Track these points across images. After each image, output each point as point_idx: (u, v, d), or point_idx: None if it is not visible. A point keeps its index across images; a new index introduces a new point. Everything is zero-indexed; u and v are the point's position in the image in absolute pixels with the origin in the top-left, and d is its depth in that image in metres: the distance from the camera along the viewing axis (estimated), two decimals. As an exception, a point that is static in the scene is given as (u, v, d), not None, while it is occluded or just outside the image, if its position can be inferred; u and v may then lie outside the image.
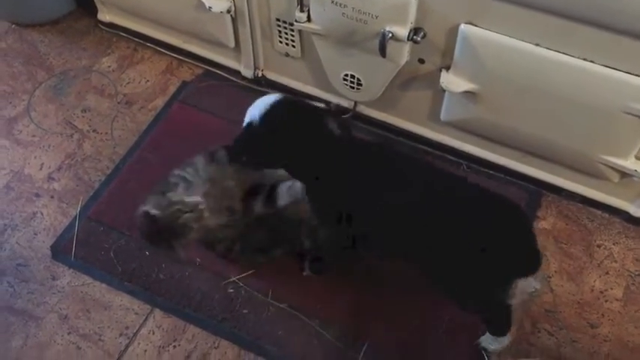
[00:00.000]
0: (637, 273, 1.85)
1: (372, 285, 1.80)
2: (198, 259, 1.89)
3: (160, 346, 1.75)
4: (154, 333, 1.77)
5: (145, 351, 1.74)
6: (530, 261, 1.39)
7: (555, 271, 1.85)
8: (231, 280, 1.83)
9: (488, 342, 1.66)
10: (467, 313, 1.61)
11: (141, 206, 1.60)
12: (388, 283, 1.79)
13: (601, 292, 1.82)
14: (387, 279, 1.80)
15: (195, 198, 1.59)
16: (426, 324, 1.76)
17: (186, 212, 1.57)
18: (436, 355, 1.71)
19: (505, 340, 1.63)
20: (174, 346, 1.75)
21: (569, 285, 1.83)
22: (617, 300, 1.81)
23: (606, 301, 1.81)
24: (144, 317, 1.80)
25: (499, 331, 1.62)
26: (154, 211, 1.57)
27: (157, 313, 1.81)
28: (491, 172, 2.05)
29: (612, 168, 1.75)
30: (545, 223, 1.94)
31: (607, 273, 1.85)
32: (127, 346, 1.75)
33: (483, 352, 1.68)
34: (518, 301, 1.51)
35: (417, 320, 1.76)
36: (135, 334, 1.77)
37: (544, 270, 1.83)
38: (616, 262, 1.87)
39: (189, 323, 1.79)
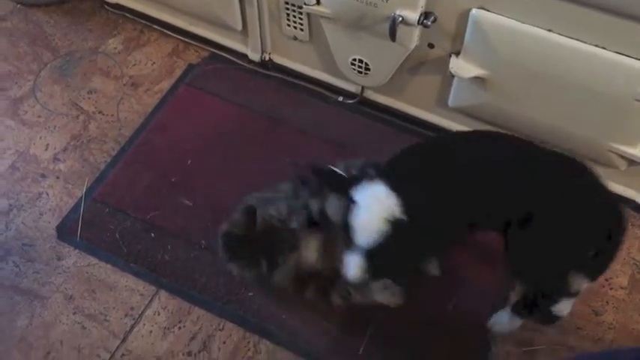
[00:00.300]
0: (642, 262, 1.86)
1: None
2: (203, 241, 1.89)
3: (165, 327, 1.75)
4: (159, 314, 1.78)
5: (151, 332, 1.75)
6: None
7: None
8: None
9: (501, 320, 1.65)
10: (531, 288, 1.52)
11: (238, 204, 1.44)
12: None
13: (606, 280, 1.82)
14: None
15: (299, 227, 1.43)
16: (431, 312, 1.76)
17: (287, 233, 1.41)
18: (442, 344, 1.71)
19: (518, 322, 1.63)
20: (180, 328, 1.75)
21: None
22: (622, 288, 1.81)
23: (611, 288, 1.81)
24: (149, 298, 1.80)
25: (546, 318, 1.55)
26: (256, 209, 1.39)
27: (163, 294, 1.81)
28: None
29: (620, 156, 1.75)
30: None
31: (612, 261, 1.85)
32: (132, 327, 1.75)
33: (491, 340, 1.68)
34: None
35: (422, 308, 1.76)
36: (140, 315, 1.77)
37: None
38: (621, 250, 1.87)
39: (194, 305, 1.79)
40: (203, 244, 1.89)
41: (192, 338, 1.74)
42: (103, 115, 2.19)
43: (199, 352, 1.72)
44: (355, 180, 1.34)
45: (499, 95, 1.78)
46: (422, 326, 1.74)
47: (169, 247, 1.88)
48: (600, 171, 1.85)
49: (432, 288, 1.77)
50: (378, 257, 1.31)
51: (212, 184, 2.01)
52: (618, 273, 1.83)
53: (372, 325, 1.73)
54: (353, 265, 1.32)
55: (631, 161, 1.77)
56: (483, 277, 1.80)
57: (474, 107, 1.90)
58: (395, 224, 1.27)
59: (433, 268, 1.75)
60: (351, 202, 1.31)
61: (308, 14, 1.97)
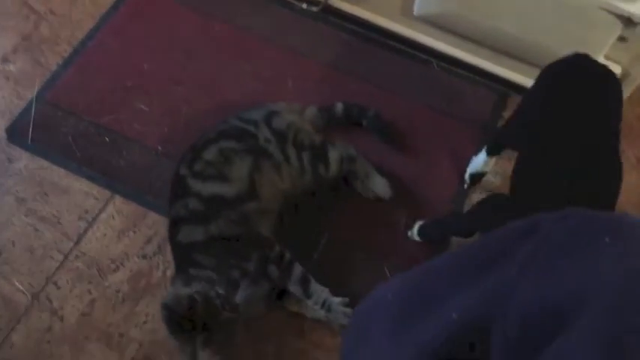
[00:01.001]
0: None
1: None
2: (159, 147, 1.85)
3: (119, 231, 1.74)
4: (113, 218, 1.76)
5: (105, 235, 1.74)
6: None
7: (517, 171, 1.87)
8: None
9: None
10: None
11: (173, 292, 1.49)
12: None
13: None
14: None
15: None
16: (384, 221, 1.78)
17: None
18: (396, 247, 1.74)
19: None
20: (134, 232, 1.75)
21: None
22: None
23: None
24: (104, 202, 1.78)
25: None
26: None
27: (117, 199, 1.79)
28: (461, 71, 2.03)
29: (581, 67, 1.73)
30: (511, 124, 1.94)
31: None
32: (86, 230, 1.74)
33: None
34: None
35: (377, 218, 1.78)
36: (94, 219, 1.75)
37: (504, 167, 1.85)
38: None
39: (149, 210, 1.78)
40: (159, 149, 1.85)
41: (148, 242, 1.73)
42: (55, 15, 2.09)
43: (154, 255, 1.72)
44: None
45: (464, 3, 1.74)
46: (376, 233, 1.76)
47: (124, 152, 1.85)
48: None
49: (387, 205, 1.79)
50: None
51: (169, 89, 1.96)
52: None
53: (326, 233, 1.75)
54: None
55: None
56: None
57: (439, 16, 1.86)
58: None
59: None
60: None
61: None
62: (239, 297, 1.48)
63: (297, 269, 1.58)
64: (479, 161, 1.75)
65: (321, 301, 1.58)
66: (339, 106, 1.86)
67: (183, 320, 1.44)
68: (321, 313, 1.60)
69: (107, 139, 1.86)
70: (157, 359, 1.60)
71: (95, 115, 1.90)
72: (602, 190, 1.26)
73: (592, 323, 0.49)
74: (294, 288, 1.59)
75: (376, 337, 0.87)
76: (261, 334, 1.63)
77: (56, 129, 1.87)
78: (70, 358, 1.58)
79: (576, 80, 1.36)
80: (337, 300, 1.59)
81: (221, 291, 1.47)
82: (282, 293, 1.63)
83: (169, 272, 1.68)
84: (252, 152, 1.64)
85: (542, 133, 1.34)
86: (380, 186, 1.79)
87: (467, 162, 1.83)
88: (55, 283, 1.67)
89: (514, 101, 1.97)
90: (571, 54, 1.40)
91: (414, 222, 1.74)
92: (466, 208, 1.80)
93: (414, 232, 1.71)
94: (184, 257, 1.56)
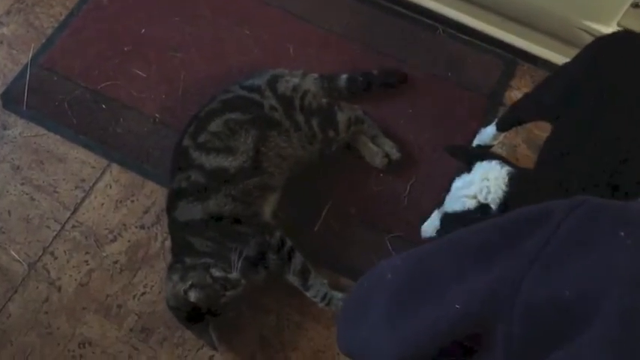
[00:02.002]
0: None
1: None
2: (157, 115, 1.81)
3: (117, 200, 1.72)
4: (111, 187, 1.73)
5: (102, 204, 1.71)
6: None
7: (522, 141, 1.82)
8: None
9: None
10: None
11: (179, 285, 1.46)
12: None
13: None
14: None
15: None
16: (386, 193, 1.75)
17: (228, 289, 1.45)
18: (399, 219, 1.71)
19: None
20: (132, 201, 1.72)
21: (534, 155, 1.80)
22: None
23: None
24: (100, 171, 1.75)
25: None
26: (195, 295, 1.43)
27: (114, 167, 1.75)
28: (467, 37, 1.96)
29: (593, 35, 1.67)
30: (518, 92, 1.89)
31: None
32: (83, 199, 1.71)
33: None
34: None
35: (379, 190, 1.75)
36: (91, 188, 1.72)
37: (510, 139, 1.81)
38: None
39: (147, 179, 1.74)
40: (157, 117, 1.81)
41: (146, 212, 1.71)
42: (49, -24, 2.03)
43: (152, 225, 1.69)
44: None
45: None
46: (376, 201, 1.73)
47: (122, 119, 1.80)
48: (572, 53, 1.81)
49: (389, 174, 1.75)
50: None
51: (167, 55, 1.90)
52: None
53: (327, 205, 1.72)
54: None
55: (603, 42, 1.70)
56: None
57: (446, -20, 1.79)
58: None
59: None
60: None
61: None
62: (235, 274, 1.46)
63: (298, 259, 1.55)
64: (487, 134, 1.70)
65: (322, 294, 1.56)
66: (343, 78, 1.80)
67: (190, 313, 1.43)
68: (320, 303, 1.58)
69: (104, 105, 1.82)
70: (156, 331, 1.58)
71: (91, 80, 1.85)
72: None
73: (605, 328, 0.46)
74: (292, 279, 1.56)
75: (374, 317, 0.83)
76: (262, 306, 1.61)
77: (52, 95, 1.82)
78: (68, 328, 1.57)
79: (623, 57, 1.30)
80: (339, 295, 1.57)
81: (217, 273, 1.44)
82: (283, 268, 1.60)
83: (167, 243, 1.66)
84: (258, 122, 1.60)
85: (584, 110, 1.28)
86: (388, 146, 1.75)
87: (472, 132, 1.79)
88: (52, 253, 1.65)
89: (522, 70, 1.92)
90: (616, 31, 1.34)
91: (417, 194, 1.70)
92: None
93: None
94: (180, 240, 1.53)
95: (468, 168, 1.18)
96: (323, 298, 1.56)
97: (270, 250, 1.53)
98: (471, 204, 1.12)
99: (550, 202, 0.59)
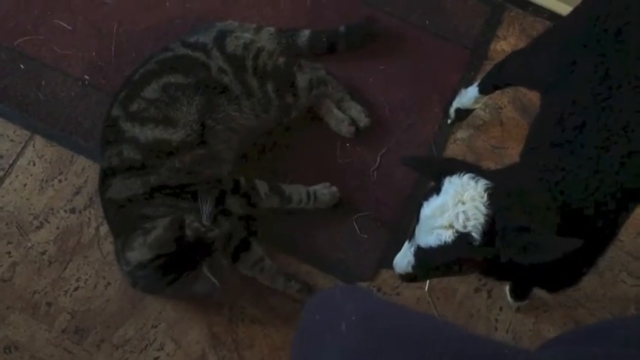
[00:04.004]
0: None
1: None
2: (86, 77, 1.56)
3: (42, 180, 1.51)
4: (34, 164, 1.52)
5: (25, 185, 1.50)
6: None
7: (508, 102, 1.61)
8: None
9: None
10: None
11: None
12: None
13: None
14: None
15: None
16: (353, 168, 1.54)
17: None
18: (367, 196, 1.52)
19: None
20: (60, 180, 1.51)
21: (521, 118, 1.59)
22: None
23: (561, 137, 1.61)
24: (22, 145, 1.54)
25: None
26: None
27: (38, 140, 1.55)
28: (449, -22, 1.70)
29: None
30: (505, 43, 1.66)
31: (566, 105, 1.62)
32: (1, 179, 1.50)
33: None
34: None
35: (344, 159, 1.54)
36: (11, 166, 1.52)
37: (495, 99, 1.59)
38: None
39: (77, 154, 1.54)
40: (87, 79, 1.59)
41: (77, 193, 1.51)
42: None
43: (85, 208, 1.49)
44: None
45: None
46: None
47: (44, 82, 1.59)
48: (567, -2, 1.57)
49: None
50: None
51: (96, 4, 1.65)
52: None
53: (287, 181, 1.51)
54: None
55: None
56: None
57: None
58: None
59: None
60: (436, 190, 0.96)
61: None
62: (207, 223, 1.27)
63: (261, 184, 1.41)
64: (468, 97, 1.48)
65: (304, 196, 1.45)
66: (305, 35, 1.56)
67: (175, 259, 1.22)
68: (280, 282, 1.40)
69: (22, 66, 1.60)
70: (92, 331, 1.41)
71: (6, 35, 1.62)
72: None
73: None
74: (268, 202, 1.42)
75: (330, 355, 0.79)
76: (212, 299, 1.43)
77: (-43, 54, 1.57)
78: (-11, 332, 1.39)
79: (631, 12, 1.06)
80: (318, 187, 1.47)
81: (192, 218, 1.25)
82: (237, 256, 1.41)
83: (103, 229, 1.45)
84: (203, 88, 1.38)
85: (583, 79, 1.06)
86: (356, 111, 1.54)
87: (452, 90, 1.58)
88: (-33, 245, 1.44)
89: (511, 16, 1.68)
90: None
91: (388, 166, 1.50)
92: (449, 146, 1.55)
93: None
94: (126, 218, 1.32)
95: (436, 186, 0.96)
96: (308, 199, 1.46)
97: (228, 194, 1.37)
98: (447, 236, 0.90)
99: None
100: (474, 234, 0.89)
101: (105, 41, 1.60)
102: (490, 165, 1.54)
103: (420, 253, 0.95)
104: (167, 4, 1.64)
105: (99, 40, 1.60)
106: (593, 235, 1.00)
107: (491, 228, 0.89)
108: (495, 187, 0.91)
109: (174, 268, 1.23)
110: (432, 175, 0.98)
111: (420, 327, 0.71)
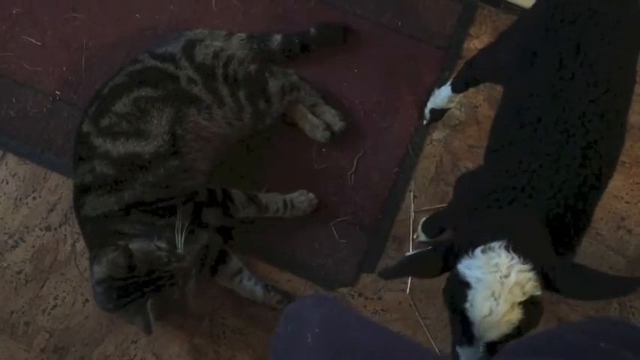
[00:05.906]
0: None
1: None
2: (57, 92, 1.54)
3: (16, 198, 1.50)
4: (7, 183, 1.51)
5: (-2, 204, 1.47)
6: None
7: (484, 100, 1.60)
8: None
9: None
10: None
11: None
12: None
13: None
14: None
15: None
16: (329, 173, 1.53)
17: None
18: (344, 200, 1.51)
19: None
20: (34, 198, 1.49)
21: (498, 116, 1.59)
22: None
23: (538, 133, 1.60)
24: (-7, 164, 1.50)
25: None
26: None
27: (10, 158, 1.54)
28: (420, -22, 1.69)
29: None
30: (478, 42, 1.65)
31: (542, 101, 1.62)
32: (-26, 199, 1.47)
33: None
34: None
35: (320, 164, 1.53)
36: (-16, 185, 1.48)
37: (470, 98, 1.58)
38: None
39: (51, 170, 1.53)
40: (58, 94, 1.58)
41: (51, 210, 1.49)
42: None
43: (60, 225, 1.48)
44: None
45: None
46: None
47: (14, 99, 1.57)
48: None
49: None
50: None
51: (65, 16, 1.63)
52: None
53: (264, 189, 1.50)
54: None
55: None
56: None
57: None
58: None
59: None
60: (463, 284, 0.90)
61: None
62: (180, 250, 1.26)
63: (237, 194, 1.41)
64: (442, 96, 1.47)
65: (281, 205, 1.45)
66: (276, 39, 1.55)
67: (126, 284, 1.20)
68: (259, 294, 1.39)
69: None
70: (71, 349, 1.40)
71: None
72: (603, 158, 1.00)
73: None
74: (245, 212, 1.41)
75: None
76: (193, 310, 1.42)
77: None
78: (-34, 355, 1.37)
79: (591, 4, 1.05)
80: (294, 195, 1.47)
81: (162, 245, 1.25)
82: (215, 269, 1.40)
83: (80, 245, 1.44)
84: (173, 99, 1.37)
85: (540, 71, 1.05)
86: (330, 115, 1.53)
87: (427, 90, 1.57)
88: (-59, 267, 1.42)
89: (483, 15, 1.67)
90: None
91: (365, 170, 1.49)
92: (426, 147, 1.55)
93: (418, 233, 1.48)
94: (101, 233, 1.30)
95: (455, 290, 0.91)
96: (285, 207, 1.46)
97: (205, 207, 1.36)
98: (517, 313, 0.86)
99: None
100: (536, 292, 0.87)
101: (75, 55, 1.58)
102: (468, 165, 1.53)
103: (493, 346, 0.90)
104: (137, 15, 1.62)
105: (69, 55, 1.59)
106: (568, 230, 1.00)
107: (545, 277, 0.88)
108: (509, 239, 0.88)
109: (123, 294, 1.21)
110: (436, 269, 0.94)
111: (371, 342, 0.73)
